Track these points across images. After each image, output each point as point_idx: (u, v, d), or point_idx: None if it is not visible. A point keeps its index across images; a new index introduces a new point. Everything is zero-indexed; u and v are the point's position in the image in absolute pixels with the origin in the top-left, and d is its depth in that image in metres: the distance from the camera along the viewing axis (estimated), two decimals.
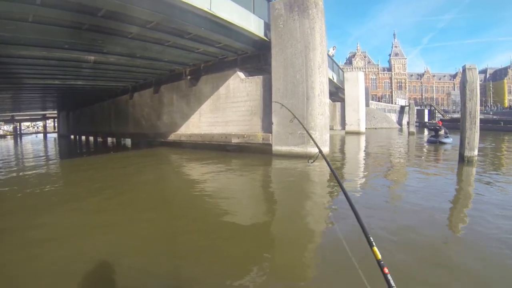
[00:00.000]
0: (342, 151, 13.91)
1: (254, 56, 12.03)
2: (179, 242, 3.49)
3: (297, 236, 3.65)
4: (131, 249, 3.28)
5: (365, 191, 6.09)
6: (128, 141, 19.35)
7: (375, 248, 0.92)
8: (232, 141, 11.79)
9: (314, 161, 2.09)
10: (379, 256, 0.89)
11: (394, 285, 0.80)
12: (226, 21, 9.30)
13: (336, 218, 4.26)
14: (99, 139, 23.26)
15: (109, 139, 21.99)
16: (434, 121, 23.53)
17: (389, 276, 0.83)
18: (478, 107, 9.57)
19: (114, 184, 7.05)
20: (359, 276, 1.17)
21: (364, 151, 14.00)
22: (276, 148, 10.45)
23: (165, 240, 3.53)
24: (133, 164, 10.59)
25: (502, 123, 30.66)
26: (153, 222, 4.15)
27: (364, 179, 7.50)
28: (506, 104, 58.08)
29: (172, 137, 14.55)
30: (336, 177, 1.47)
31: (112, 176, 8.17)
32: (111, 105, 20.65)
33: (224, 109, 12.33)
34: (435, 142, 14.54)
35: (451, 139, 14.33)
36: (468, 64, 9.47)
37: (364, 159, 11.18)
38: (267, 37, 11.16)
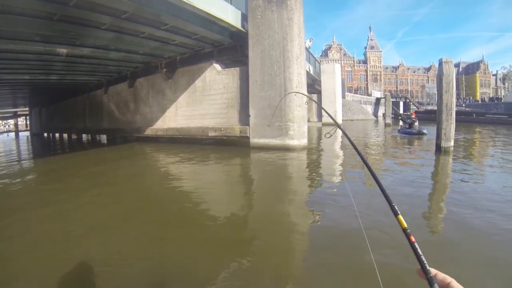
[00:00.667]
0: (320, 142, 13.93)
1: (231, 48, 11.78)
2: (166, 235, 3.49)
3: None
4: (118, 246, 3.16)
5: (348, 181, 6.16)
6: (103, 137, 18.64)
7: (400, 217, 0.85)
8: (209, 135, 11.52)
9: (331, 136, 1.94)
10: (405, 225, 0.83)
11: (421, 254, 0.74)
12: (203, 11, 9.07)
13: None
14: (73, 136, 22.34)
15: (84, 136, 21.12)
16: (408, 113, 24.18)
17: (416, 245, 0.77)
18: (454, 99, 9.79)
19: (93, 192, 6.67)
20: None
21: (342, 142, 14.08)
22: (254, 140, 10.28)
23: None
24: (110, 166, 9.94)
25: (474, 115, 32.12)
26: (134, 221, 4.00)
27: (344, 170, 7.51)
28: (478, 97, 60.10)
29: (148, 131, 14.09)
30: (355, 147, 1.42)
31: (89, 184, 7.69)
32: (85, 100, 19.81)
33: (200, 102, 12.02)
34: (413, 133, 14.78)
35: (425, 130, 14.73)
36: (445, 57, 9.63)
37: (343, 150, 11.20)
38: (244, 28, 10.98)
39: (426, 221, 3.77)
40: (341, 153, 10.73)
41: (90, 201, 4.89)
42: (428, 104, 55.35)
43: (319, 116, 28.28)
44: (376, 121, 36.46)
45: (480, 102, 50.84)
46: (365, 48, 71.57)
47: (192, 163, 8.52)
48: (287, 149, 9.59)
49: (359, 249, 2.69)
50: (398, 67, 73.31)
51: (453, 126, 9.36)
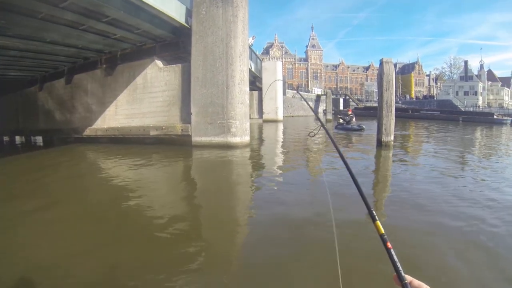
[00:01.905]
0: (262, 139, 14.05)
1: (174, 44, 11.42)
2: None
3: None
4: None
5: (294, 177, 6.46)
6: (39, 139, 17.04)
7: (378, 222, 0.85)
8: (151, 134, 11.01)
9: (315, 134, 1.98)
10: (382, 231, 0.83)
11: (397, 260, 0.74)
12: (146, 4, 8.72)
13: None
14: (5, 139, 20.18)
15: (17, 138, 19.17)
16: (344, 110, 25.46)
17: (393, 251, 0.76)
18: (394, 97, 10.35)
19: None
20: None
21: (283, 138, 14.29)
22: (196, 139, 10.04)
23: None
24: (50, 177, 8.87)
25: (410, 111, 34.93)
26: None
27: (290, 165, 7.70)
28: (413, 95, 64.79)
29: (87, 132, 13.10)
30: (336, 147, 1.47)
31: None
32: (18, 99, 17.90)
33: (141, 100, 11.43)
34: (351, 129, 15.26)
35: (364, 126, 15.39)
36: (385, 58, 10.15)
37: (284, 146, 11.35)
38: (188, 24, 10.71)
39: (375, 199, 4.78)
40: (283, 149, 10.86)
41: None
42: (367, 101, 58.05)
43: (260, 113, 28.36)
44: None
45: (415, 99, 54.79)
46: (307, 46, 73.00)
47: (133, 165, 8.07)
48: (230, 146, 9.46)
49: None
50: (338, 65, 75.65)
51: (393, 121, 9.94)
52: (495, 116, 30.51)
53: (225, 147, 9.42)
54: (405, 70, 72.68)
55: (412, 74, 71.12)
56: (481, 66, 51.31)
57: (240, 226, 3.81)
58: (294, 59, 71.32)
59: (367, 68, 76.22)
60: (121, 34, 10.63)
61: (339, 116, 19.60)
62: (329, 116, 26.58)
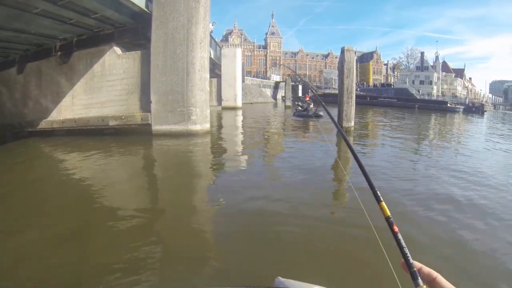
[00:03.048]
0: (221, 126, 14.07)
1: (133, 30, 11.01)
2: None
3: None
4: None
5: (255, 162, 6.64)
6: None
7: (383, 204, 0.75)
8: (110, 124, 10.57)
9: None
10: (388, 213, 0.72)
11: (405, 246, 0.65)
12: None
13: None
14: None
15: None
16: (302, 96, 25.94)
17: (400, 236, 0.67)
18: (354, 84, 10.63)
19: None
20: None
21: (242, 124, 14.29)
22: (156, 127, 9.82)
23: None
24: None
25: (368, 98, 36.23)
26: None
27: (248, 151, 7.70)
28: (371, 83, 66.52)
29: (42, 125, 12.31)
30: (339, 129, 1.46)
31: None
32: None
33: (99, 89, 10.91)
34: (308, 116, 15.12)
35: (321, 112, 15.37)
36: (347, 46, 10.38)
37: (244, 133, 11.39)
38: (148, 9, 10.37)
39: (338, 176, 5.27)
40: (242, 135, 10.91)
41: None
42: (326, 88, 58.74)
43: (219, 100, 27.98)
44: (275, 104, 38.31)
45: (373, 87, 56.70)
46: (266, 34, 73.26)
47: (92, 158, 7.62)
48: (190, 134, 9.38)
49: None
50: (298, 53, 76.10)
51: (353, 108, 10.23)
52: (448, 105, 32.37)
53: (185, 135, 9.31)
54: (364, 59, 73.52)
55: (371, 63, 72.55)
56: (437, 58, 54.31)
57: (203, 214, 3.85)
58: (253, 46, 71.24)
59: (326, 56, 76.95)
60: (77, 18, 10.08)
61: (296, 103, 19.72)
62: (288, 103, 26.88)
